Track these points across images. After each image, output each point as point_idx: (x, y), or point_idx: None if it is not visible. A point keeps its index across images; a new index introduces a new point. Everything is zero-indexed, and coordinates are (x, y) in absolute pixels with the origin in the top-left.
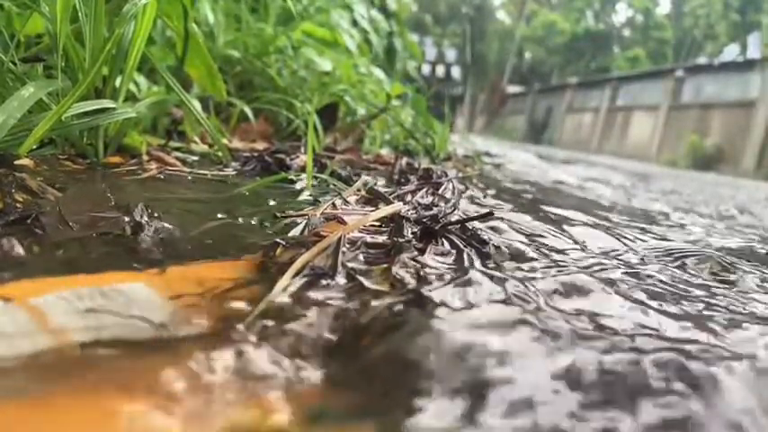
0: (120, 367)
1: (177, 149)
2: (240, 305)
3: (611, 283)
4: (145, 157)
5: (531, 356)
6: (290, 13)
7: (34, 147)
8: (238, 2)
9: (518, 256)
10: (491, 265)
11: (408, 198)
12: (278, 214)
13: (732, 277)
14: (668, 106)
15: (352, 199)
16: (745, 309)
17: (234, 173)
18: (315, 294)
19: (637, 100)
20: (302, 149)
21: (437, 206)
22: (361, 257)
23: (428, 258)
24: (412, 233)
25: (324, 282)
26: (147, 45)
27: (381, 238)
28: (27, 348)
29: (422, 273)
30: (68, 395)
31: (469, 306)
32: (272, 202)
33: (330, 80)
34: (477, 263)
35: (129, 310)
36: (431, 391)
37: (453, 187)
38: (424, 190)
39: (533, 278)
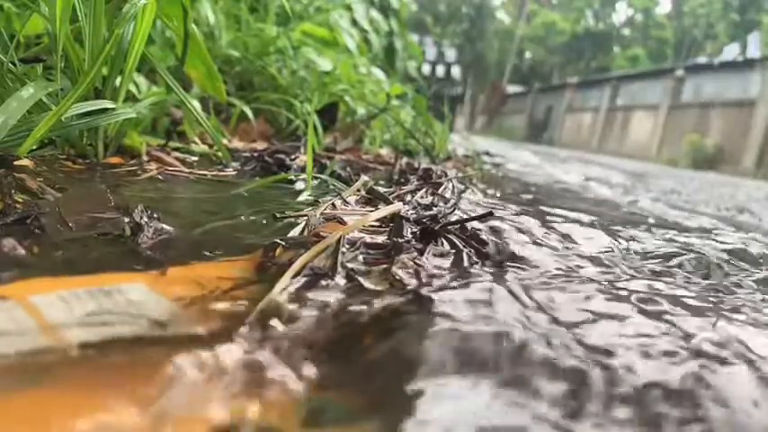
0: (118, 366)
1: (177, 150)
2: (240, 305)
3: (607, 285)
4: (144, 158)
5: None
6: (290, 12)
7: (34, 147)
8: (238, 2)
9: (517, 257)
10: (490, 266)
11: (408, 198)
12: (277, 214)
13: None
14: (668, 106)
15: (351, 199)
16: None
17: (234, 173)
18: (314, 295)
19: (637, 99)
20: (302, 149)
21: (437, 206)
22: (360, 258)
23: (427, 259)
24: (411, 233)
25: (323, 282)
26: (146, 45)
27: (381, 239)
28: (25, 347)
29: (421, 273)
30: (65, 393)
31: (468, 306)
32: (271, 203)
33: (330, 80)
34: (477, 263)
35: (129, 310)
36: (431, 389)
37: (453, 187)
38: (424, 190)
39: (532, 279)
